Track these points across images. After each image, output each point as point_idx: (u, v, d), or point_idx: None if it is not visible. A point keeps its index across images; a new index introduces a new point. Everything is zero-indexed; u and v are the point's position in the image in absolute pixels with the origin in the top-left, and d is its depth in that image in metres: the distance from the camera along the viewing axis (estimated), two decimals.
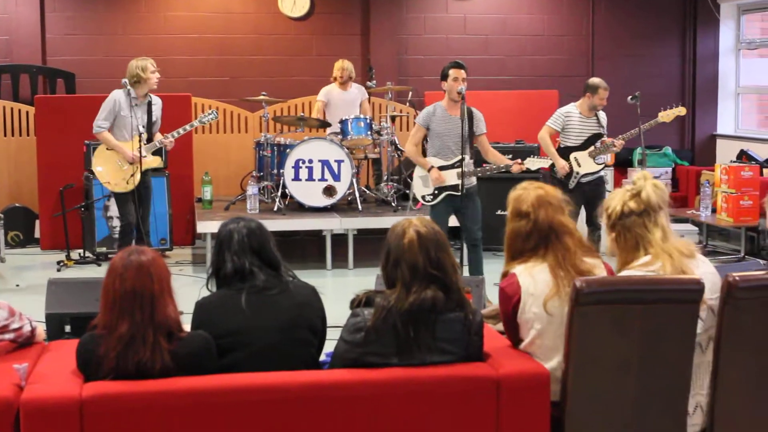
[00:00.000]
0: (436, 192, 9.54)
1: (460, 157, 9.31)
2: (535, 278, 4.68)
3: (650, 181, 4.74)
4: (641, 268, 4.62)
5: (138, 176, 9.97)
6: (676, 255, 4.61)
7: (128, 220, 10.04)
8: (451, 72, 9.45)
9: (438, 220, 9.24)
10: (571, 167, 10.44)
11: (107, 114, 9.93)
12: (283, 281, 4.66)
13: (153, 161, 10.26)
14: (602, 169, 10.69)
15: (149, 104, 10.10)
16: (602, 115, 10.75)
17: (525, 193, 4.88)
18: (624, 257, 4.72)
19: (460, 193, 9.33)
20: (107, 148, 10.06)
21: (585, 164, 10.54)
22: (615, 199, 4.75)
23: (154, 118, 10.14)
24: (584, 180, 10.48)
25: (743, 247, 11.90)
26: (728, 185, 11.86)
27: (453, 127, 9.39)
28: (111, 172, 10.05)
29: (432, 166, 9.47)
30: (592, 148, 10.52)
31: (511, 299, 4.73)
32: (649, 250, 4.63)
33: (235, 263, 4.60)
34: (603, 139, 10.59)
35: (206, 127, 13.42)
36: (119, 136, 10.00)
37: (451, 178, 9.39)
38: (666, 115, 10.59)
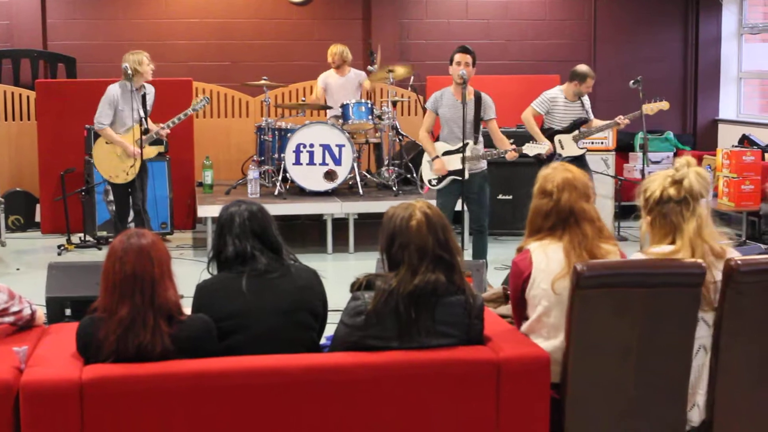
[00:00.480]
0: (441, 176, 9.55)
1: (464, 142, 9.31)
2: (548, 256, 4.69)
3: (693, 168, 4.67)
4: (658, 255, 4.60)
5: (137, 167, 10.25)
6: (702, 251, 4.56)
7: (122, 210, 10.45)
8: (456, 56, 9.51)
9: (445, 205, 9.31)
10: (554, 148, 10.46)
11: (107, 110, 10.16)
12: (284, 265, 4.65)
13: (151, 151, 10.55)
14: (584, 153, 10.91)
15: (143, 94, 10.30)
16: (586, 99, 10.79)
17: (552, 174, 4.88)
18: (656, 242, 4.69)
19: (464, 178, 9.32)
20: (107, 142, 10.29)
21: (568, 147, 10.67)
22: (655, 183, 4.69)
23: (148, 106, 10.36)
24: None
25: (744, 232, 11.90)
26: (730, 170, 11.84)
27: (459, 112, 9.39)
28: (112, 164, 10.31)
29: (437, 156, 9.49)
30: (576, 132, 10.55)
31: (522, 274, 4.75)
32: (677, 241, 4.60)
33: (236, 246, 4.59)
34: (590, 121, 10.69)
35: (207, 111, 13.42)
36: (119, 128, 10.24)
37: (456, 162, 9.39)
38: (650, 108, 10.57)
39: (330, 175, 11.62)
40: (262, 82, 12.30)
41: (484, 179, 9.60)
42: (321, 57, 13.70)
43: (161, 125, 10.37)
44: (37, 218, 12.96)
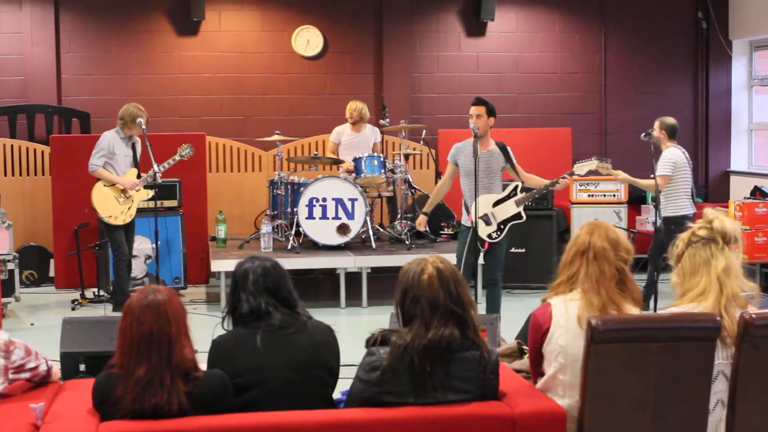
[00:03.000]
0: (501, 226, 9.51)
1: (513, 185, 9.47)
2: (568, 312, 4.68)
3: (723, 216, 4.74)
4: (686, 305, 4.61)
5: (134, 209, 10.84)
6: (729, 291, 4.56)
7: (121, 251, 10.86)
8: (471, 109, 9.58)
9: (469, 255, 9.26)
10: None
11: (102, 153, 10.76)
12: (299, 320, 4.67)
13: (146, 194, 11.01)
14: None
15: (133, 143, 10.98)
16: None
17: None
18: (683, 288, 4.69)
19: (523, 220, 9.53)
20: (104, 185, 10.78)
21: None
22: (685, 235, 4.76)
23: (137, 155, 10.94)
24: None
25: (758, 284, 11.87)
26: (742, 222, 11.84)
27: (486, 162, 9.46)
28: (110, 205, 10.78)
29: (423, 212, 9.92)
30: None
31: (540, 328, 4.75)
32: (703, 279, 4.61)
33: (250, 303, 4.61)
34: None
35: (220, 165, 13.50)
36: (113, 171, 10.82)
37: (511, 208, 9.46)
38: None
39: (343, 229, 11.63)
40: (275, 137, 12.34)
41: (505, 234, 9.64)
42: (333, 111, 13.79)
43: (153, 170, 10.76)
44: (51, 273, 12.99)
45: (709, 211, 4.75)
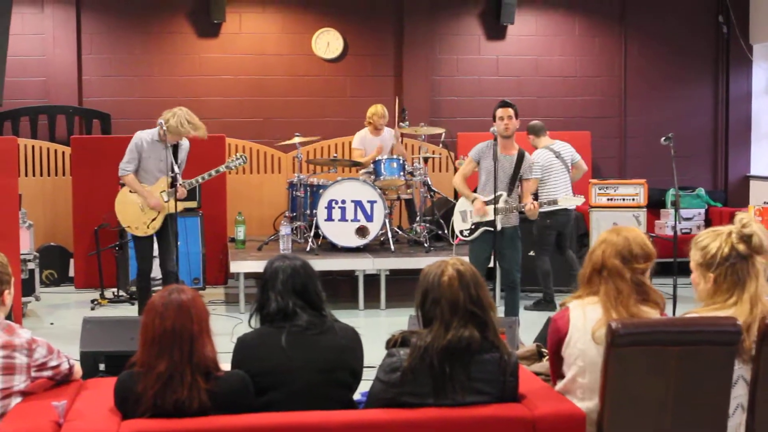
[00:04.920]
0: (473, 227, 9.57)
1: (498, 193, 9.38)
2: (586, 315, 4.68)
3: (757, 224, 4.70)
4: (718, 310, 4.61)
5: (160, 221, 9.79)
6: (760, 309, 4.56)
7: (142, 267, 9.88)
8: (497, 112, 9.57)
9: (477, 257, 9.33)
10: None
11: (131, 156, 9.74)
12: (326, 322, 4.69)
13: (173, 207, 9.84)
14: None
15: (175, 146, 9.80)
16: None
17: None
18: (713, 299, 4.68)
19: (496, 230, 9.37)
20: (130, 191, 9.88)
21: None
22: (717, 239, 4.70)
23: (179, 161, 9.83)
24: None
25: None
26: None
27: (503, 166, 9.44)
28: (132, 215, 9.86)
29: (476, 197, 9.53)
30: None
31: (559, 332, 4.75)
32: (734, 298, 4.61)
33: (278, 302, 4.63)
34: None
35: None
36: (144, 179, 9.80)
37: (490, 213, 9.45)
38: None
39: (362, 231, 11.64)
40: (295, 139, 12.37)
41: (516, 234, 9.63)
42: (353, 113, 13.81)
43: (190, 182, 10.01)
44: (71, 273, 13.05)
45: (745, 219, 4.69)
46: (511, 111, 9.53)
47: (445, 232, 12.08)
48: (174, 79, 14.15)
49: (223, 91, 14.28)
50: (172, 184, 9.65)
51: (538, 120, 11.83)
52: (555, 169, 11.44)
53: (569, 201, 9.99)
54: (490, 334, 4.52)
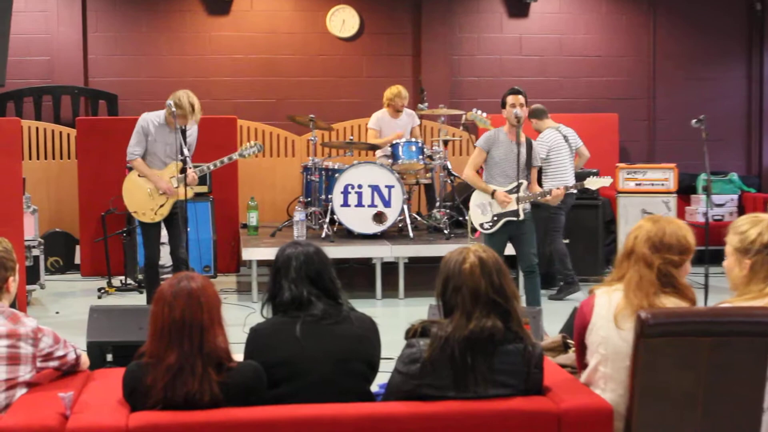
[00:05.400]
0: (495, 218, 9.57)
1: (517, 182, 9.42)
2: (611, 302, 4.68)
3: None
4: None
5: (168, 208, 9.75)
6: None
7: (150, 254, 9.86)
8: (509, 99, 9.56)
9: (495, 249, 9.31)
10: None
11: (138, 139, 9.69)
12: (342, 311, 4.69)
13: (187, 192, 9.73)
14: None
15: (183, 130, 9.66)
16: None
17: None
18: (747, 288, 4.69)
19: (519, 219, 9.43)
20: (139, 175, 9.82)
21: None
22: (759, 226, 4.74)
23: (188, 145, 9.68)
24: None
25: None
26: None
27: (513, 154, 9.47)
28: (140, 200, 9.80)
29: (495, 189, 9.53)
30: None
31: (584, 318, 4.76)
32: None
33: (292, 291, 4.63)
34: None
35: None
36: (151, 164, 9.76)
37: (511, 203, 9.47)
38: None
39: (379, 218, 11.63)
40: (309, 120, 12.35)
41: (531, 219, 9.72)
42: (369, 94, 13.79)
43: (202, 168, 9.90)
44: (77, 260, 13.08)
45: None
46: (522, 98, 9.55)
47: (466, 218, 12.08)
48: (183, 59, 14.17)
49: (234, 70, 14.29)
50: (183, 170, 9.54)
51: (539, 105, 11.75)
52: (563, 151, 11.48)
53: (596, 182, 9.93)
54: (514, 324, 4.51)
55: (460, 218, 12.29)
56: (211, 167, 10.06)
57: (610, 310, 4.67)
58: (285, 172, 13.86)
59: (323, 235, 11.67)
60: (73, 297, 11.67)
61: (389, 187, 11.63)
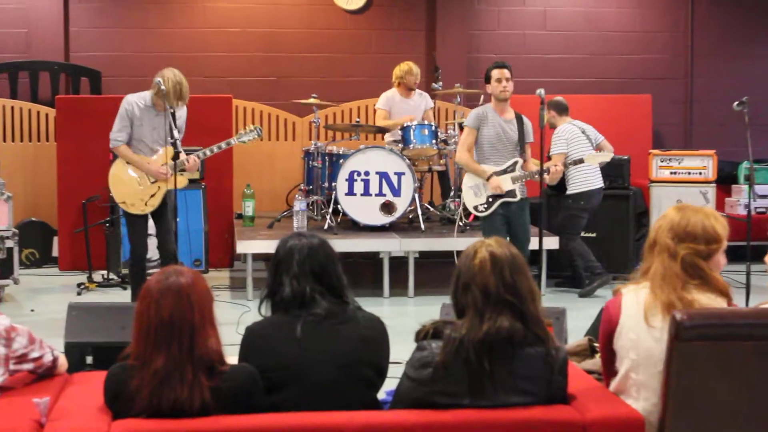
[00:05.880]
0: (490, 200, 9.81)
1: (513, 160, 9.80)
2: (639, 301, 4.67)
3: None
4: None
5: (160, 197, 9.72)
6: None
7: (136, 248, 9.84)
8: (494, 73, 9.89)
9: (493, 233, 9.51)
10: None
11: (122, 124, 9.65)
12: (348, 311, 4.69)
13: (181, 180, 9.83)
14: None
15: (173, 112, 9.60)
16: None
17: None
18: None
19: (516, 200, 9.80)
20: (127, 162, 9.78)
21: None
22: None
23: (177, 129, 9.64)
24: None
25: None
26: None
27: (505, 131, 9.86)
28: (128, 190, 9.75)
29: (491, 174, 9.79)
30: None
31: (611, 321, 4.75)
32: None
33: (293, 287, 4.62)
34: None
35: None
36: (138, 150, 9.72)
37: (506, 183, 9.80)
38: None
39: (387, 208, 11.63)
40: (312, 100, 12.34)
41: (527, 204, 10.04)
42: (378, 72, 13.78)
43: (197, 153, 9.83)
44: (55, 253, 13.10)
45: None
46: (508, 72, 9.87)
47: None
48: (174, 32, 14.16)
49: (230, 46, 14.28)
50: (175, 155, 9.54)
51: (562, 99, 11.72)
52: (581, 144, 11.48)
53: (597, 157, 10.33)
54: (535, 325, 4.50)
55: None
56: (208, 153, 10.03)
57: (639, 311, 4.66)
58: (285, 157, 13.86)
59: (326, 226, 11.69)
60: (50, 293, 11.68)
61: (399, 174, 11.61)
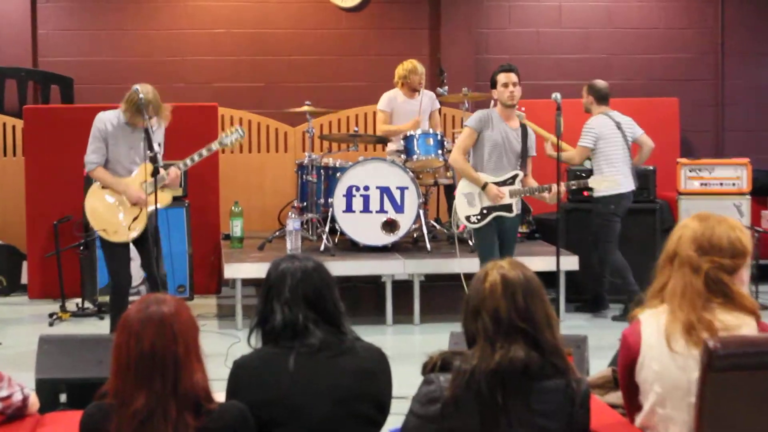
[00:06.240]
0: (484, 212, 9.95)
1: (513, 173, 9.94)
2: (660, 327, 4.66)
3: None
4: None
5: (143, 221, 9.64)
6: None
7: (118, 279, 9.78)
8: (500, 77, 9.99)
9: (485, 247, 9.78)
10: None
11: (96, 145, 9.61)
12: (345, 341, 4.68)
13: (164, 197, 9.82)
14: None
15: (148, 127, 9.48)
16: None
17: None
18: None
19: (511, 215, 10.00)
20: (102, 186, 9.73)
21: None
22: None
23: (156, 143, 9.51)
24: None
25: None
26: None
27: (509, 139, 9.96)
28: (108, 217, 9.71)
29: (487, 182, 9.90)
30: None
31: (630, 351, 4.73)
32: None
33: (285, 315, 4.62)
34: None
35: (236, 143, 13.47)
36: (114, 172, 9.68)
37: (504, 197, 9.95)
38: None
39: (390, 226, 11.63)
40: (305, 108, 12.35)
41: (518, 223, 10.40)
42: (378, 76, 13.78)
43: (177, 163, 9.81)
44: (24, 279, 13.07)
45: None
46: (515, 76, 9.94)
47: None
48: (152, 34, 14.18)
49: (215, 48, 14.30)
50: (155, 171, 9.45)
51: (604, 84, 11.72)
52: (613, 141, 11.47)
53: (601, 182, 10.41)
54: (552, 355, 4.50)
55: None
56: (189, 163, 9.97)
57: (660, 339, 4.65)
58: (276, 170, 13.86)
59: (322, 247, 11.69)
60: (18, 324, 11.68)
61: (402, 189, 11.62)
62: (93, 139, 9.64)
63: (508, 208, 9.93)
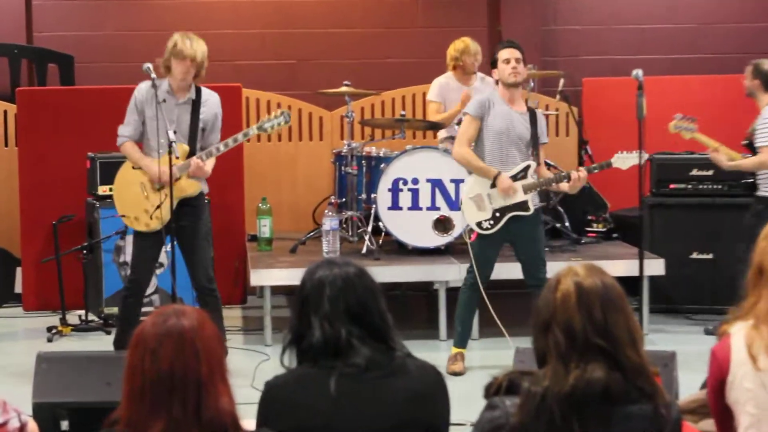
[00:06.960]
0: (497, 214, 9.90)
1: (524, 164, 9.87)
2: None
3: None
4: None
5: (166, 210, 9.58)
6: None
7: (136, 276, 9.94)
8: (502, 53, 10.01)
9: (486, 255, 9.70)
10: None
11: (130, 117, 9.76)
12: (395, 359, 4.67)
13: (190, 185, 9.84)
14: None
15: (194, 102, 9.84)
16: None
17: None
18: None
19: (529, 213, 9.91)
20: (133, 167, 9.86)
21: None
22: None
23: (202, 124, 9.78)
24: None
25: None
26: None
27: (515, 124, 9.91)
28: (131, 200, 9.85)
29: (499, 172, 9.84)
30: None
31: (720, 369, 4.73)
32: None
33: (325, 331, 4.60)
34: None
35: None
36: (148, 151, 9.80)
37: (517, 192, 9.87)
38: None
39: (443, 225, 11.64)
40: (343, 89, 12.36)
41: (539, 218, 10.20)
42: (426, 52, 13.80)
43: (209, 150, 9.84)
44: (18, 288, 13.12)
45: None
46: (518, 53, 9.96)
47: (566, 224, 12.05)
48: (165, 5, 14.22)
49: (237, 20, 14.34)
50: (190, 154, 9.65)
51: None
52: None
53: (626, 160, 10.12)
54: (637, 376, 4.48)
55: (558, 225, 12.27)
56: (222, 148, 9.97)
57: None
58: (310, 161, 13.87)
59: (364, 250, 11.72)
60: (12, 340, 11.76)
61: (456, 182, 11.60)
62: (129, 111, 9.82)
63: (523, 206, 9.84)
